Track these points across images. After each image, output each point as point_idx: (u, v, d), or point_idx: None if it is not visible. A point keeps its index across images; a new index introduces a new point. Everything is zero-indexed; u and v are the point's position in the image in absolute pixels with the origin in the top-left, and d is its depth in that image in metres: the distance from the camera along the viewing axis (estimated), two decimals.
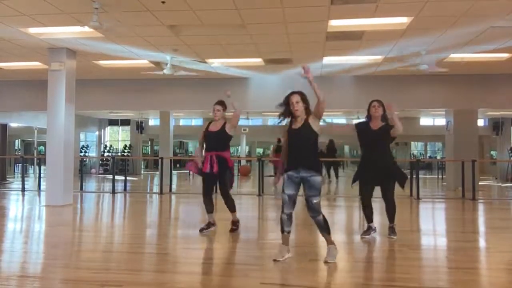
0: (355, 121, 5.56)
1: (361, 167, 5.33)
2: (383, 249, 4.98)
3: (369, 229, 5.33)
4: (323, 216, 4.16)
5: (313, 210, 4.12)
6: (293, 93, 4.21)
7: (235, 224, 5.63)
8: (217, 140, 5.48)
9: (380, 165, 5.09)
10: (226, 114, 5.65)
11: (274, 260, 4.10)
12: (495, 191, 13.46)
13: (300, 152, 4.18)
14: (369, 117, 5.23)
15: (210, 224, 5.57)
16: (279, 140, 15.47)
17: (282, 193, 4.20)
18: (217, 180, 5.55)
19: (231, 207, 5.61)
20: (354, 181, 5.40)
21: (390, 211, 5.25)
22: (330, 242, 4.20)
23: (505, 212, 8.70)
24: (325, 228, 4.16)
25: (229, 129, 5.49)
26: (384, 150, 5.18)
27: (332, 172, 15.93)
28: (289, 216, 4.19)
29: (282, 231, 4.22)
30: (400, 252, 4.75)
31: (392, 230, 5.24)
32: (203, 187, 5.60)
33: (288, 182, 4.19)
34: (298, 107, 4.14)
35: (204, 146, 5.66)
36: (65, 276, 3.83)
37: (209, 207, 5.57)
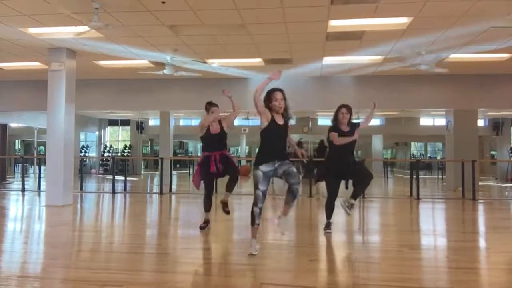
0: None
1: (327, 165, 5.49)
2: (383, 249, 4.99)
3: (330, 225, 5.54)
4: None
5: (293, 176, 4.34)
6: (278, 90, 4.38)
7: (227, 205, 5.56)
8: (220, 141, 5.59)
9: (349, 161, 5.30)
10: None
11: (250, 254, 4.24)
12: (495, 191, 13.46)
13: (279, 146, 4.41)
14: (336, 120, 5.42)
15: (208, 222, 5.65)
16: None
17: (257, 189, 4.30)
18: (223, 176, 5.57)
19: (231, 189, 5.56)
20: (318, 180, 5.73)
21: (364, 185, 5.42)
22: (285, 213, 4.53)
23: (505, 212, 8.69)
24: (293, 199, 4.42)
25: (226, 128, 5.61)
26: (352, 150, 5.44)
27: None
28: (261, 210, 4.35)
29: (253, 223, 4.35)
30: (400, 252, 4.75)
31: (351, 206, 5.33)
32: (206, 188, 5.59)
33: (263, 178, 4.31)
34: (283, 104, 4.35)
35: (206, 147, 5.62)
36: (65, 276, 3.83)
37: (210, 206, 5.64)
